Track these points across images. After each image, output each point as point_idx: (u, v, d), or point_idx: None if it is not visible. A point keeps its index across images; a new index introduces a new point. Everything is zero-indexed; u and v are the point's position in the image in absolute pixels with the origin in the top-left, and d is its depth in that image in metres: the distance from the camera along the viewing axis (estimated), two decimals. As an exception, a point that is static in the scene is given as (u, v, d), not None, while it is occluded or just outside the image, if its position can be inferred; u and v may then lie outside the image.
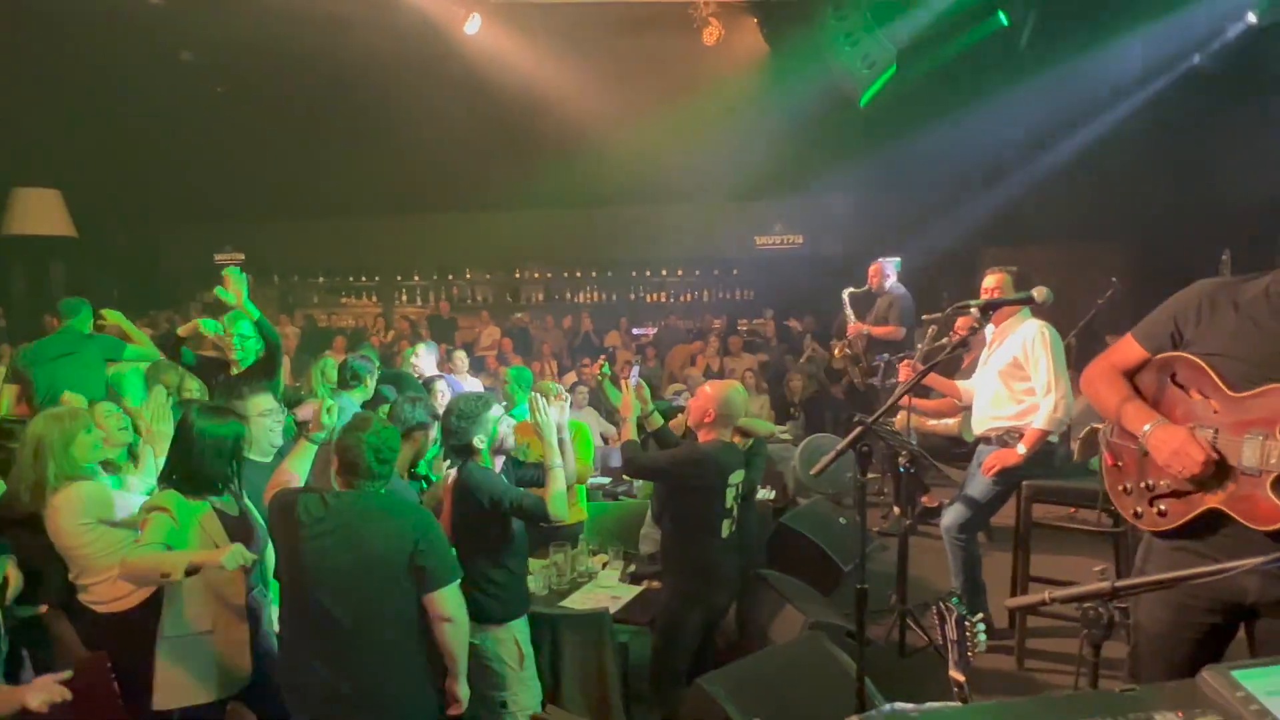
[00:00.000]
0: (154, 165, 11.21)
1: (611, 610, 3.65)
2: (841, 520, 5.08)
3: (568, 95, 9.24)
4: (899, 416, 5.31)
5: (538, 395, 3.33)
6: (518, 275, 13.83)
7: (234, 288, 4.40)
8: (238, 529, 2.90)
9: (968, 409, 4.72)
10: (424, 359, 6.30)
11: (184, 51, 9.24)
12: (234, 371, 4.64)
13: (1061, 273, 7.01)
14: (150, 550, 2.62)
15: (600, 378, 4.70)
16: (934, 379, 4.62)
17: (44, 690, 2.25)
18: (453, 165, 10.88)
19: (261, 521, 3.04)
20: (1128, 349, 2.35)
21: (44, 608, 3.26)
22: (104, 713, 2.75)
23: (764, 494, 5.40)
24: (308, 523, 2.71)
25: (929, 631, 4.16)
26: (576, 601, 3.81)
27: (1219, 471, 2.08)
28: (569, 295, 13.54)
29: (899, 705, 1.30)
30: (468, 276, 13.92)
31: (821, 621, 3.58)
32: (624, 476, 5.71)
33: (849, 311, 6.98)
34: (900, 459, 4.51)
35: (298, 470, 3.03)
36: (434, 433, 3.73)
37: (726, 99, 9.33)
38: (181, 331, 4.89)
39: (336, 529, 2.70)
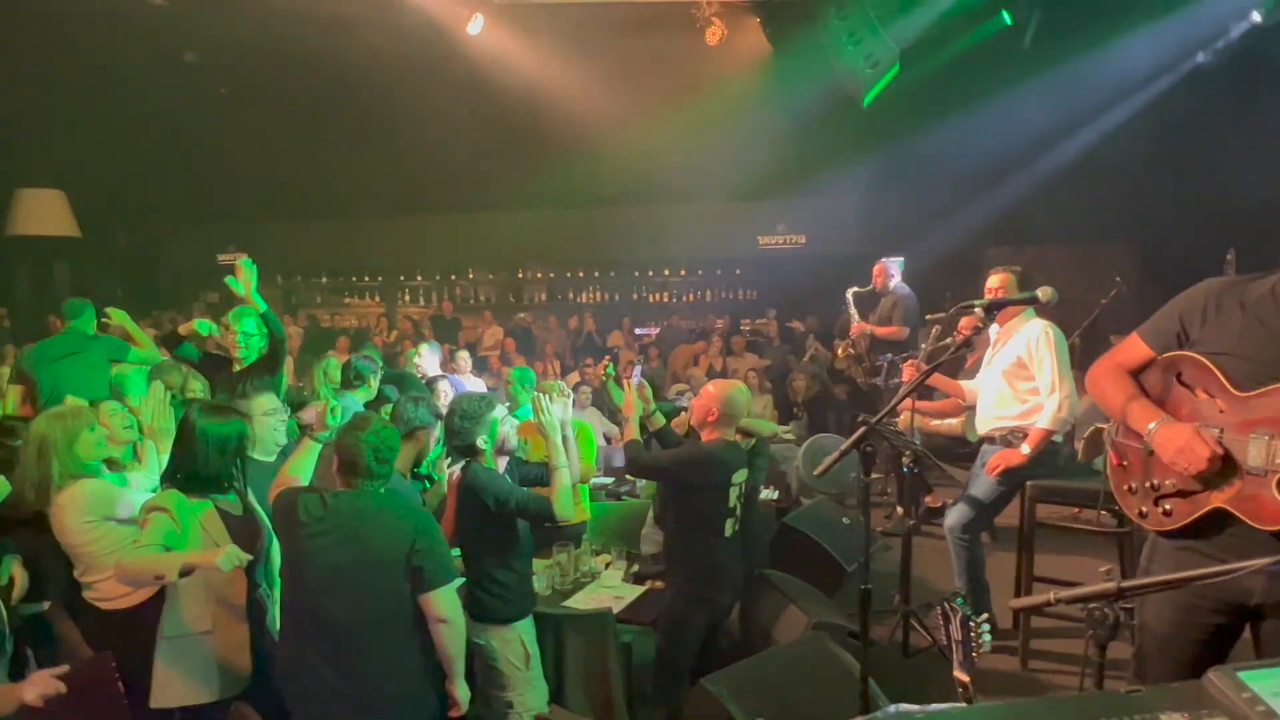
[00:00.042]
0: (157, 166, 11.24)
1: (615, 610, 3.65)
2: (845, 520, 5.07)
3: (570, 95, 9.24)
4: (902, 416, 5.30)
5: (541, 395, 3.33)
6: (521, 275, 13.83)
7: (244, 278, 4.44)
8: (241, 528, 2.90)
9: (971, 409, 4.71)
10: (427, 359, 6.31)
11: (187, 52, 9.26)
12: (236, 369, 4.65)
13: (1066, 272, 7.02)
14: (146, 552, 2.62)
15: (605, 378, 4.70)
16: (937, 379, 4.62)
17: (40, 684, 2.27)
18: (456, 165, 10.88)
19: (267, 521, 3.04)
20: (1133, 348, 2.34)
21: (46, 605, 3.27)
22: (109, 712, 2.75)
23: (767, 494, 5.40)
24: (307, 522, 2.72)
25: (932, 632, 4.15)
26: (580, 601, 3.80)
27: (1224, 471, 2.07)
28: (572, 295, 13.55)
29: (904, 706, 1.29)
30: (471, 276, 13.93)
31: (825, 622, 3.58)
32: (627, 476, 5.71)
33: (852, 311, 6.97)
34: (904, 459, 4.50)
35: (302, 470, 3.04)
36: (437, 432, 3.73)
37: (729, 99, 9.33)
38: (181, 330, 4.90)
39: (335, 528, 2.71)
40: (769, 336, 11.32)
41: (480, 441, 3.21)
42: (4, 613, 2.78)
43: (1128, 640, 2.38)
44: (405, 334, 11.79)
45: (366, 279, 14.10)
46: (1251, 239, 6.47)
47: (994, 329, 4.36)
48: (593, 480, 5.49)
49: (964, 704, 2.08)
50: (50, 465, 3.09)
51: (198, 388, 4.90)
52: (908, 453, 4.56)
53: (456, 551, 3.59)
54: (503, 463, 3.39)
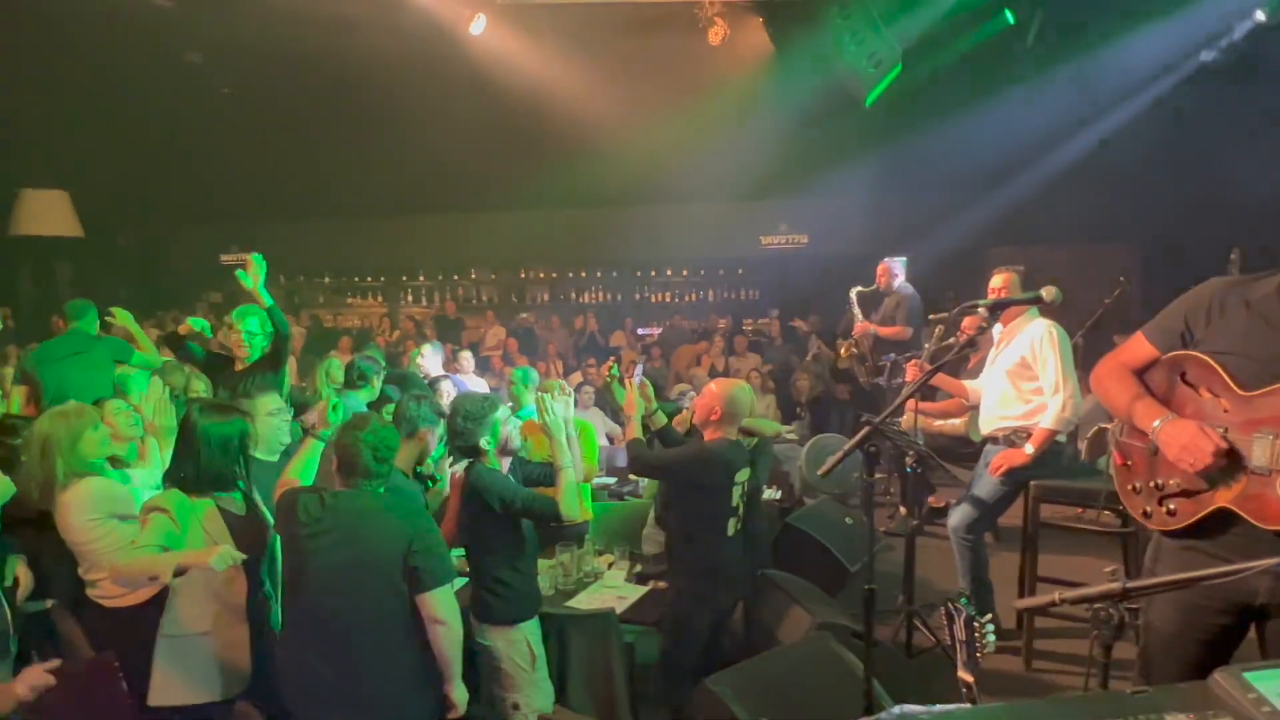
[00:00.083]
0: (160, 166, 11.26)
1: (617, 610, 3.64)
2: (848, 520, 5.07)
3: (573, 95, 9.24)
4: (905, 416, 5.29)
5: (545, 395, 3.33)
6: (523, 275, 13.85)
7: (254, 272, 4.48)
8: (243, 528, 2.90)
9: (975, 409, 4.70)
10: (429, 359, 6.31)
11: (190, 53, 9.26)
12: (239, 368, 4.65)
13: (1069, 272, 6.99)
14: (141, 553, 2.62)
15: (609, 379, 4.70)
16: (941, 379, 4.61)
17: (30, 679, 2.29)
18: (458, 166, 10.88)
19: (271, 520, 3.04)
20: (1138, 347, 2.34)
21: (49, 603, 3.27)
22: (112, 712, 2.75)
23: (770, 494, 5.39)
24: (306, 522, 2.72)
25: (936, 632, 4.15)
26: (582, 602, 3.80)
27: (1228, 470, 2.07)
28: (574, 295, 13.56)
29: (908, 707, 1.29)
30: (473, 277, 13.94)
31: (828, 622, 3.57)
32: (630, 476, 5.70)
33: (856, 310, 6.96)
34: (907, 459, 4.49)
35: (305, 469, 3.04)
36: (439, 431, 3.72)
37: (732, 99, 9.33)
38: (181, 331, 4.91)
39: (334, 528, 2.71)
40: (771, 336, 11.32)
41: (483, 442, 3.21)
42: (8, 613, 2.79)
43: (1131, 641, 2.37)
44: (408, 334, 11.80)
45: (369, 279, 14.13)
46: (1256, 238, 6.45)
47: (997, 329, 4.36)
48: (595, 480, 5.49)
49: (968, 704, 2.07)
50: (54, 464, 3.10)
51: (200, 387, 4.91)
52: (911, 453, 4.55)
53: (458, 553, 3.59)
54: (506, 463, 3.39)
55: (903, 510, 5.78)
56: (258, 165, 11.05)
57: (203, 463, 2.84)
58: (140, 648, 2.84)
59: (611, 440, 6.97)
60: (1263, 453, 2.01)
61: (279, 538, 2.94)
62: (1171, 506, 2.20)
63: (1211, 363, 2.14)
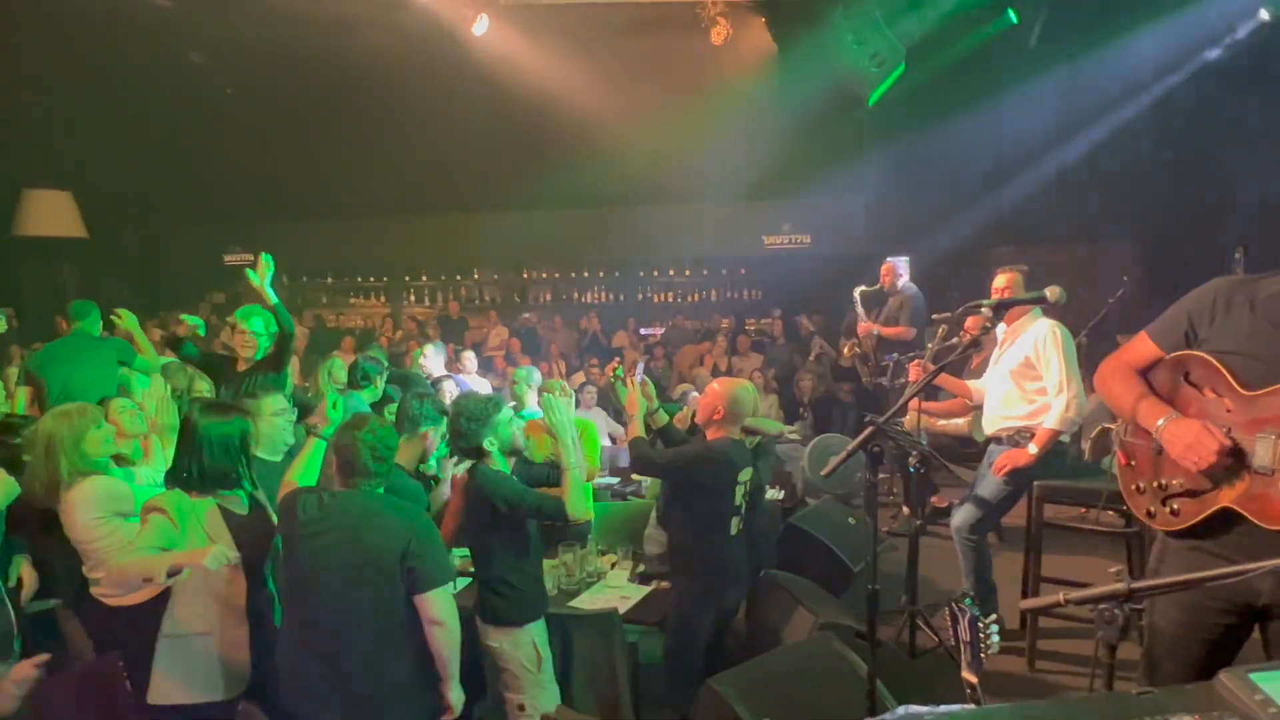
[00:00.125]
0: (163, 166, 11.26)
1: (621, 610, 3.64)
2: (851, 520, 5.07)
3: (575, 96, 9.23)
4: (909, 416, 5.29)
5: (550, 396, 3.32)
6: (526, 275, 13.83)
7: (262, 271, 4.53)
8: (245, 527, 2.90)
9: (978, 409, 4.69)
10: (432, 359, 6.32)
11: (193, 53, 9.26)
12: (241, 368, 4.66)
13: (1073, 272, 6.99)
14: (137, 555, 2.62)
15: (613, 379, 4.70)
16: (944, 379, 4.61)
17: (19, 673, 2.31)
18: (460, 166, 10.88)
19: (275, 519, 3.04)
20: (1142, 347, 2.34)
21: (54, 602, 3.28)
22: (116, 712, 2.76)
23: (773, 494, 5.39)
24: (306, 521, 2.73)
25: (940, 632, 4.14)
26: (585, 602, 3.80)
27: (1232, 470, 2.07)
28: (577, 295, 13.55)
29: (913, 708, 1.29)
30: (476, 277, 13.93)
31: (832, 622, 3.57)
32: (632, 475, 5.70)
33: (860, 310, 6.96)
34: (910, 459, 4.49)
35: (308, 469, 3.04)
36: (442, 429, 3.72)
37: (734, 98, 9.31)
38: (180, 332, 4.92)
39: (333, 528, 2.72)
40: (774, 336, 11.32)
41: (486, 443, 3.20)
42: (13, 613, 2.79)
43: (1135, 641, 2.37)
44: (410, 334, 11.81)
45: (372, 279, 14.12)
46: (1259, 237, 6.44)
47: (1001, 328, 4.35)
48: (598, 480, 5.48)
49: (972, 705, 2.07)
50: (59, 463, 3.11)
51: (203, 388, 4.92)
52: (914, 453, 4.54)
53: (460, 553, 3.59)
54: (511, 463, 3.38)
55: (906, 510, 5.78)
56: (260, 165, 11.05)
57: (204, 462, 2.84)
58: (144, 646, 2.84)
59: (614, 440, 6.97)
60: (1266, 453, 2.00)
61: (281, 538, 2.94)
62: (1175, 506, 2.20)
63: (1215, 363, 2.14)
